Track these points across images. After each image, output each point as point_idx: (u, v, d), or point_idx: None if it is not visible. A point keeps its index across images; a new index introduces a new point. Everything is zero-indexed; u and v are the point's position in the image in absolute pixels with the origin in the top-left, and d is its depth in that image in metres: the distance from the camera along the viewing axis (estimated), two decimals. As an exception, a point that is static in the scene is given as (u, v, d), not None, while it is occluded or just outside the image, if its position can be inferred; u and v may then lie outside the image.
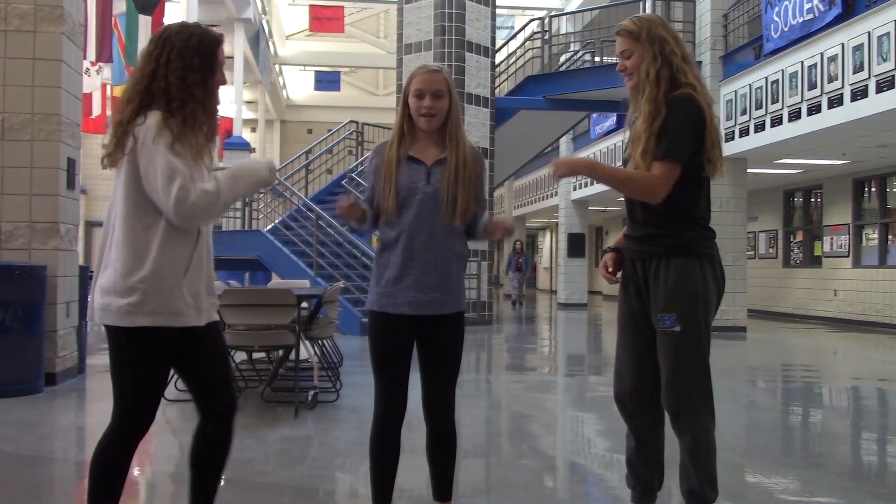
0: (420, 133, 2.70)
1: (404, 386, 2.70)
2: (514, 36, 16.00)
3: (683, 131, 2.59)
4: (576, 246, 20.45)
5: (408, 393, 2.71)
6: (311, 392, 5.55)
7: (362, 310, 2.70)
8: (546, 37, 15.05)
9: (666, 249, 2.67)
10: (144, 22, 10.90)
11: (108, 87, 14.58)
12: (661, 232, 2.69)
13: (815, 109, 9.75)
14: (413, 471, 3.49)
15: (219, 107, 2.43)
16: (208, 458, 2.44)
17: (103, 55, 10.53)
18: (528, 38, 15.48)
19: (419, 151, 2.69)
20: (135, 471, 4.21)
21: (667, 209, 2.65)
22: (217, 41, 2.38)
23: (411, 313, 2.64)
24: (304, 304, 5.56)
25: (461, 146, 2.67)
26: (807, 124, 9.95)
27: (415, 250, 2.62)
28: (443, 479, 2.78)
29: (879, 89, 8.49)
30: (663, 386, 2.67)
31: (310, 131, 25.68)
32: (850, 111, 9.04)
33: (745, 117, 11.43)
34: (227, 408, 2.44)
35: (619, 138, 14.57)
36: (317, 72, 23.33)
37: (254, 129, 24.54)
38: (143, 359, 2.31)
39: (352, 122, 16.33)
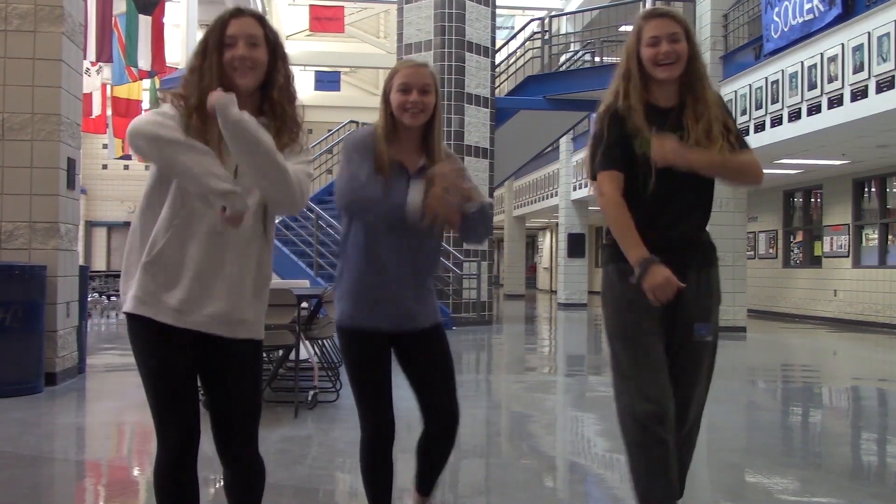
0: (402, 133, 2.47)
1: (389, 405, 2.50)
2: (514, 36, 16.00)
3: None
4: (576, 246, 20.45)
5: (393, 409, 2.53)
6: (311, 392, 5.55)
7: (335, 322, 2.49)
8: (546, 37, 15.06)
9: (706, 259, 2.57)
10: (144, 22, 10.89)
11: (108, 87, 14.57)
12: (701, 241, 2.56)
13: (815, 109, 9.74)
14: (413, 471, 3.48)
15: (244, 79, 2.13)
16: (229, 495, 2.25)
17: (103, 55, 10.51)
18: (528, 38, 15.49)
19: (403, 156, 2.47)
20: (135, 471, 4.22)
21: (703, 220, 2.55)
22: (222, 18, 2.16)
23: (390, 329, 2.48)
24: (304, 304, 5.56)
25: (440, 156, 2.47)
26: (807, 124, 9.95)
27: (395, 263, 2.44)
28: (431, 476, 2.67)
29: (879, 89, 8.49)
30: (685, 397, 2.51)
31: (310, 131, 25.60)
32: (850, 111, 9.04)
33: (745, 117, 11.42)
34: (230, 447, 2.19)
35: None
36: (317, 72, 23.30)
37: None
38: (140, 359, 2.14)
39: (352, 122, 16.34)
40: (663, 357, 2.48)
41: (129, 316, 2.11)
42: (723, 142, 2.44)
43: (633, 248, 2.39)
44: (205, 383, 2.21)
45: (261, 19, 2.19)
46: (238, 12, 2.17)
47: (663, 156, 2.38)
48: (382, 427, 2.50)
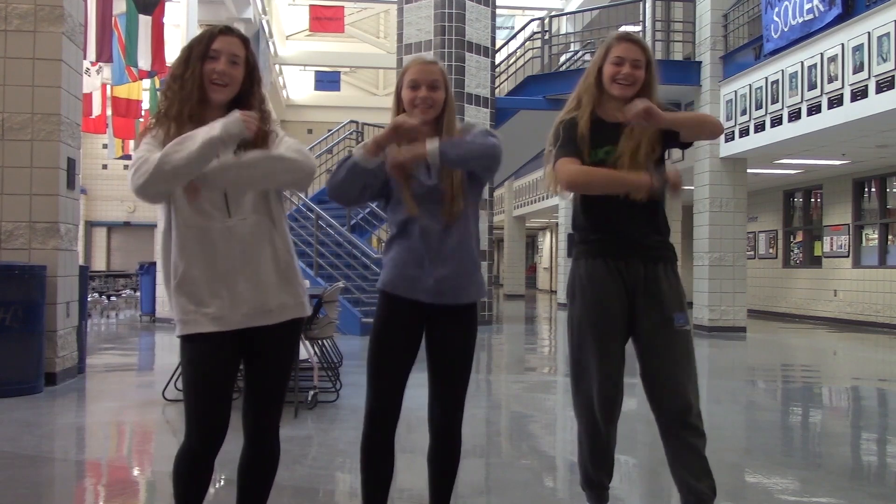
0: None
1: (399, 389, 2.55)
2: (514, 36, 16.00)
3: None
4: (576, 246, 20.42)
5: (402, 397, 2.57)
6: (311, 392, 5.55)
7: (376, 288, 2.59)
8: (546, 37, 15.05)
9: (668, 255, 2.80)
10: (144, 22, 10.88)
11: (108, 87, 14.55)
12: (664, 239, 2.80)
13: (815, 109, 9.75)
14: (413, 471, 3.50)
15: (217, 94, 2.29)
16: (244, 473, 2.41)
17: (103, 55, 10.50)
18: (528, 38, 15.49)
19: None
20: (135, 471, 4.22)
21: (663, 219, 2.82)
22: (211, 32, 2.31)
23: (428, 301, 2.52)
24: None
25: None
26: (807, 124, 9.95)
27: (429, 240, 2.50)
28: (442, 490, 2.67)
29: (879, 89, 8.49)
30: (673, 386, 2.65)
31: (310, 131, 25.66)
32: (850, 111, 9.04)
33: (745, 117, 11.43)
34: (255, 428, 2.37)
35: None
36: (317, 72, 23.30)
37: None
38: (186, 367, 2.31)
39: (352, 122, 16.35)
40: (621, 357, 2.74)
41: (181, 338, 2.30)
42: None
43: (630, 176, 2.62)
44: (245, 364, 2.37)
45: (246, 42, 2.35)
46: (227, 30, 2.33)
47: (636, 115, 2.54)
48: (383, 404, 2.53)
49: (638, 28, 13.33)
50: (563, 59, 15.97)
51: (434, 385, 2.63)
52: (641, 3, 13.78)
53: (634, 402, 5.56)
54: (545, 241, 33.30)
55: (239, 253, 2.27)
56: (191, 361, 2.28)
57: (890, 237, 13.71)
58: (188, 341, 2.28)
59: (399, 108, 2.57)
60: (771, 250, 17.30)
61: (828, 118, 9.50)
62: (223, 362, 2.28)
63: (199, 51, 2.27)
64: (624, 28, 15.44)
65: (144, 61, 10.89)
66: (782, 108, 10.49)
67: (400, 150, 2.43)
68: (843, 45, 9.09)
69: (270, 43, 21.27)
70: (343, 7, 20.05)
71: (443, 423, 2.63)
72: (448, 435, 2.64)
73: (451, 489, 2.69)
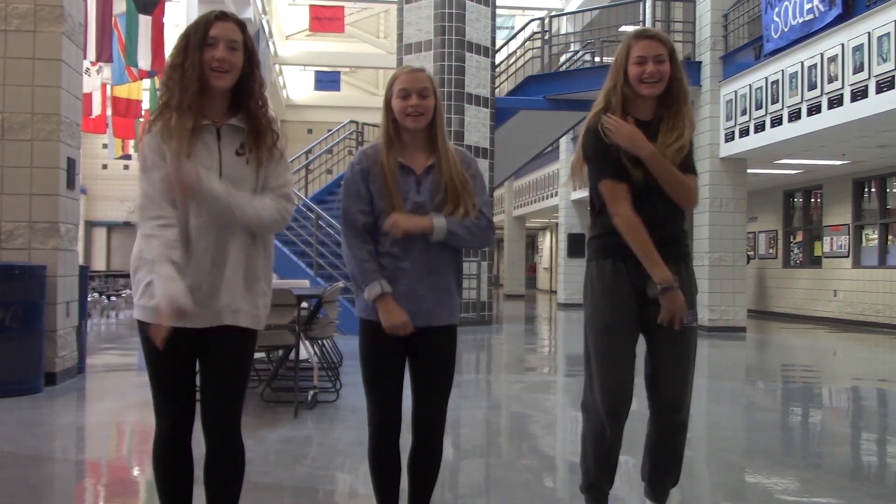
0: (406, 136, 2.59)
1: (397, 398, 2.60)
2: (514, 36, 15.99)
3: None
4: (576, 246, 20.44)
5: (401, 404, 2.61)
6: (311, 392, 5.55)
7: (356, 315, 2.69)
8: (546, 37, 15.05)
9: (683, 253, 2.79)
10: (144, 22, 10.87)
11: (108, 87, 14.56)
12: (680, 237, 2.79)
13: (815, 110, 9.74)
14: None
15: (219, 81, 2.26)
16: (208, 473, 2.39)
17: (103, 55, 10.50)
18: (528, 39, 15.49)
19: (408, 159, 2.58)
20: (134, 471, 4.22)
21: (681, 218, 2.81)
22: (207, 18, 2.28)
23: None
24: (304, 304, 5.56)
25: (448, 154, 2.58)
26: (807, 124, 9.95)
27: (409, 260, 2.53)
28: (422, 494, 2.69)
29: (879, 89, 8.49)
30: (671, 381, 2.72)
31: (310, 131, 25.63)
32: (850, 111, 9.04)
33: (745, 117, 11.43)
34: (211, 425, 2.34)
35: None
36: (317, 72, 23.31)
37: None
38: (145, 352, 2.34)
39: (352, 122, 16.33)
40: (632, 356, 2.73)
41: (140, 322, 2.32)
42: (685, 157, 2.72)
43: (657, 267, 2.63)
44: (201, 365, 2.38)
45: (242, 26, 2.32)
46: (223, 16, 2.30)
47: (620, 138, 2.64)
48: (387, 417, 2.59)
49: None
50: (563, 59, 15.98)
51: (417, 392, 2.65)
52: (641, 3, 13.77)
53: (635, 403, 5.56)
54: (545, 242, 33.29)
55: (213, 249, 2.27)
56: (151, 350, 2.28)
57: (890, 237, 13.71)
58: (146, 329, 2.28)
59: (389, 117, 2.59)
60: (771, 250, 17.30)
61: (828, 118, 9.49)
62: (182, 354, 2.31)
63: (196, 39, 2.24)
64: (624, 27, 15.49)
65: (144, 61, 10.89)
66: (782, 109, 10.49)
67: (403, 220, 2.50)
68: (843, 45, 9.09)
69: (270, 43, 21.26)
70: (343, 7, 20.05)
71: (425, 429, 2.65)
72: (430, 440, 2.66)
73: (430, 493, 2.70)
